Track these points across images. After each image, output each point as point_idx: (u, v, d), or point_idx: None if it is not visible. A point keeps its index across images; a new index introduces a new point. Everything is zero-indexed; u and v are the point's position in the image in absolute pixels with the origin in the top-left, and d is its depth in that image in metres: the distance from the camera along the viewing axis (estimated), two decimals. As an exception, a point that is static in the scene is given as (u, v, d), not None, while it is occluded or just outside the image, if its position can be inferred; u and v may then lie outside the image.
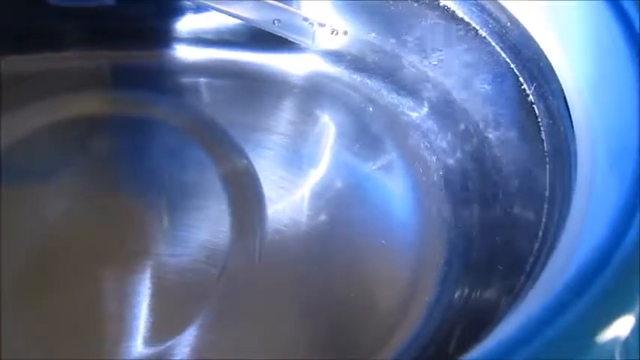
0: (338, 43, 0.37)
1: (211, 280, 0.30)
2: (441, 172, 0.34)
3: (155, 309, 0.29)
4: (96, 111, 0.36)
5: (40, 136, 0.34)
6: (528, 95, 0.29)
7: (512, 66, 0.30)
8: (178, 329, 0.28)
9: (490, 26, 0.31)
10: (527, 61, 0.29)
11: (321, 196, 0.33)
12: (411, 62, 0.35)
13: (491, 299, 0.27)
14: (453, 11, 0.32)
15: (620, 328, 0.18)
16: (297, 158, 0.35)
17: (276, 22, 0.35)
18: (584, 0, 0.27)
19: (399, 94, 0.36)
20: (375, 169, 0.35)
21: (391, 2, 0.35)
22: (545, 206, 0.26)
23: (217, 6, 0.35)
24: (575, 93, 0.26)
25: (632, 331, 0.18)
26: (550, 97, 0.28)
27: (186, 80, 0.38)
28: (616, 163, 0.23)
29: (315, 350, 0.29)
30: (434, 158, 0.34)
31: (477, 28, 0.31)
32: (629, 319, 0.18)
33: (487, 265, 0.29)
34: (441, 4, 0.33)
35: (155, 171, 0.34)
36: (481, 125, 0.33)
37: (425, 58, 0.35)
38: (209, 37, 0.38)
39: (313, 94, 0.37)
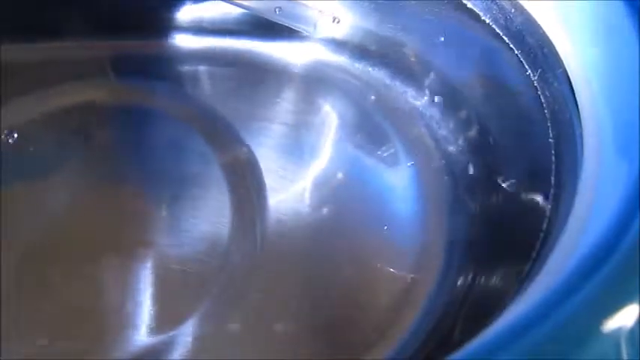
0: (339, 31, 0.36)
1: (213, 269, 0.30)
2: (443, 161, 0.34)
3: (157, 299, 0.29)
4: (96, 100, 0.35)
5: (40, 125, 0.34)
6: (533, 82, 0.29)
7: (516, 52, 0.30)
8: (180, 319, 0.28)
9: (494, 12, 0.31)
10: (532, 47, 0.29)
11: (323, 185, 0.33)
12: (413, 50, 0.35)
13: (497, 285, 0.27)
14: (456, -2, 0.32)
15: (626, 316, 0.18)
16: (298, 148, 0.35)
17: (277, 9, 0.35)
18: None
19: (401, 83, 0.36)
20: (376, 157, 0.35)
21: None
22: (552, 191, 0.26)
23: (219, -6, 0.35)
24: (581, 78, 0.26)
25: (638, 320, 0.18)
26: (555, 83, 0.27)
27: (187, 69, 0.38)
28: (623, 148, 0.23)
29: (318, 339, 0.29)
30: (436, 146, 0.34)
31: (481, 14, 0.31)
32: (635, 308, 0.18)
33: (492, 252, 0.29)
34: (444, -9, 0.33)
35: (156, 161, 0.34)
36: (484, 112, 0.32)
37: (427, 45, 0.35)
38: (210, 25, 0.37)
39: (315, 83, 0.37)
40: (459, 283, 0.29)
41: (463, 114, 0.34)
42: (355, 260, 0.31)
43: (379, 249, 0.31)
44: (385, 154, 0.35)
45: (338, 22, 0.36)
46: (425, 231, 0.32)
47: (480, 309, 0.26)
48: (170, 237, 0.31)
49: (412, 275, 0.30)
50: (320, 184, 0.33)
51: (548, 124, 0.27)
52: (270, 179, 0.33)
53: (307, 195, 0.33)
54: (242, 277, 0.30)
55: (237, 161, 0.34)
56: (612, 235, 0.20)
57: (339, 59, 0.37)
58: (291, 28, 0.36)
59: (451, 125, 0.34)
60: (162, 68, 0.37)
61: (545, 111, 0.28)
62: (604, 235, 0.20)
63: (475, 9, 0.31)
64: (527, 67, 0.29)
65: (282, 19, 0.35)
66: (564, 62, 0.27)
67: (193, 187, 0.33)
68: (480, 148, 0.32)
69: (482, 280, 0.29)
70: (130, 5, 0.37)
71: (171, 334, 0.28)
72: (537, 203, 0.27)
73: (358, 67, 0.37)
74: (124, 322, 0.28)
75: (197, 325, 0.28)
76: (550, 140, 0.27)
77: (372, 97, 0.36)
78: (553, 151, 0.27)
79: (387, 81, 0.36)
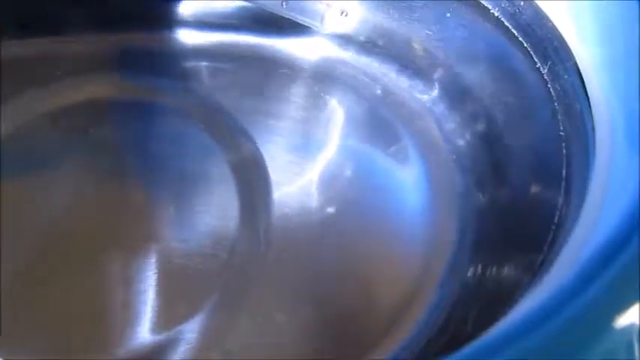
0: (347, 25, 0.36)
1: (218, 265, 0.30)
2: (452, 155, 0.34)
3: (162, 295, 0.29)
4: (100, 96, 0.35)
5: (43, 121, 0.34)
6: (543, 75, 0.29)
7: (525, 45, 0.29)
8: (185, 315, 0.28)
9: (503, 6, 0.30)
10: (541, 40, 0.29)
11: (330, 181, 0.33)
12: (421, 44, 0.35)
13: (508, 278, 0.27)
14: (465, -9, 0.32)
15: (638, 312, 0.18)
16: (305, 143, 0.35)
17: (284, 3, 0.35)
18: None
19: (408, 77, 0.36)
20: (384, 153, 0.35)
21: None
22: (563, 184, 0.26)
23: (225, -13, 0.35)
24: (592, 71, 0.26)
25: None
26: (565, 76, 0.27)
27: (192, 65, 0.37)
28: (635, 140, 0.22)
29: (325, 335, 0.28)
30: (445, 141, 0.34)
31: (489, 7, 0.31)
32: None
33: (503, 245, 0.29)
34: (452, -15, 0.32)
35: (161, 156, 0.34)
36: (493, 106, 0.32)
37: (435, 39, 0.34)
38: (216, 20, 0.37)
39: (322, 77, 0.37)
40: (469, 276, 0.29)
41: (472, 108, 0.33)
42: (363, 255, 0.31)
43: (387, 243, 0.31)
44: (393, 149, 0.35)
45: (346, 15, 0.36)
46: (434, 224, 0.32)
47: (491, 302, 0.26)
48: (175, 232, 0.31)
49: (422, 269, 0.30)
50: (327, 179, 0.33)
51: (559, 117, 0.27)
52: (276, 174, 0.33)
53: (314, 190, 0.33)
54: (247, 272, 0.30)
55: (242, 156, 0.33)
56: (625, 229, 0.20)
57: (347, 53, 0.37)
58: (297, 22, 0.36)
59: (460, 119, 0.34)
60: (166, 64, 0.37)
61: (556, 104, 0.28)
62: (616, 228, 0.20)
63: (484, 2, 0.31)
64: (536, 60, 0.29)
65: (289, 12, 0.35)
66: (574, 55, 0.27)
67: (199, 182, 0.32)
68: (490, 142, 0.32)
69: (494, 273, 0.28)
70: (134, -1, 0.37)
71: (176, 330, 0.28)
72: (548, 196, 0.27)
73: (365, 61, 0.37)
74: (130, 317, 0.28)
75: (202, 321, 0.28)
76: (561, 133, 0.27)
77: (379, 92, 0.36)
78: (564, 144, 0.27)
79: (395, 75, 0.36)
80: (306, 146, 0.34)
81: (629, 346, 0.18)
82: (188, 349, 0.27)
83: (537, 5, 0.29)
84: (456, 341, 0.24)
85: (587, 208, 0.22)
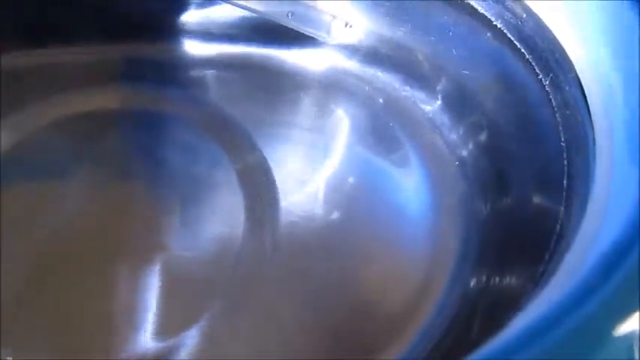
0: (352, 36, 0.36)
1: (223, 273, 0.30)
2: (454, 165, 0.34)
3: (166, 302, 0.29)
4: (105, 106, 0.35)
5: (50, 132, 0.34)
6: (544, 86, 0.29)
7: (527, 57, 0.30)
8: (189, 322, 0.28)
9: (505, 18, 0.31)
10: (543, 51, 0.29)
11: (335, 189, 0.33)
12: (425, 55, 0.35)
13: (511, 287, 0.27)
14: (468, 3, 0.32)
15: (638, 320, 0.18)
16: (311, 151, 0.35)
17: (289, 14, 0.35)
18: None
19: (412, 87, 0.36)
20: (388, 162, 0.35)
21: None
22: (564, 194, 0.26)
23: (231, -1, 0.35)
24: (593, 82, 0.26)
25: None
26: (567, 88, 0.27)
27: (198, 74, 0.38)
28: (636, 149, 0.22)
29: (330, 340, 0.28)
30: (448, 151, 0.34)
31: (492, 19, 0.31)
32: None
33: (505, 254, 0.29)
34: (455, -4, 0.33)
35: (167, 165, 0.34)
36: (495, 117, 0.32)
37: (439, 50, 0.35)
38: (222, 30, 0.37)
39: (327, 87, 0.37)
40: (472, 284, 0.29)
41: (474, 118, 0.34)
42: (367, 262, 0.31)
43: (391, 251, 0.31)
44: (397, 158, 0.35)
45: (350, 26, 0.36)
46: (437, 233, 0.32)
47: (494, 310, 0.26)
48: (181, 240, 0.31)
49: (424, 277, 0.30)
50: (332, 187, 0.33)
51: (560, 129, 0.27)
52: (282, 182, 0.33)
53: (319, 197, 0.33)
54: (253, 280, 0.30)
55: (249, 165, 0.34)
56: (626, 238, 0.20)
57: (351, 64, 0.37)
58: (303, 33, 0.36)
59: (462, 130, 0.34)
60: (173, 73, 0.37)
61: (557, 115, 0.28)
62: (618, 238, 0.20)
63: (487, 14, 0.31)
64: (538, 71, 0.29)
65: (294, 23, 0.35)
66: (576, 66, 0.27)
67: (205, 190, 0.33)
68: (492, 152, 0.32)
69: (496, 282, 0.28)
70: (141, 9, 0.37)
71: (179, 336, 0.28)
72: (550, 206, 0.27)
73: (370, 71, 0.37)
74: (133, 324, 0.28)
75: (206, 328, 0.28)
76: (562, 144, 0.27)
77: (383, 101, 0.36)
78: (565, 155, 0.27)
79: (399, 86, 0.36)
80: (312, 154, 0.35)
81: (630, 355, 0.18)
82: (191, 355, 0.27)
83: (539, 17, 0.29)
84: (459, 350, 0.24)
85: (589, 217, 0.22)
